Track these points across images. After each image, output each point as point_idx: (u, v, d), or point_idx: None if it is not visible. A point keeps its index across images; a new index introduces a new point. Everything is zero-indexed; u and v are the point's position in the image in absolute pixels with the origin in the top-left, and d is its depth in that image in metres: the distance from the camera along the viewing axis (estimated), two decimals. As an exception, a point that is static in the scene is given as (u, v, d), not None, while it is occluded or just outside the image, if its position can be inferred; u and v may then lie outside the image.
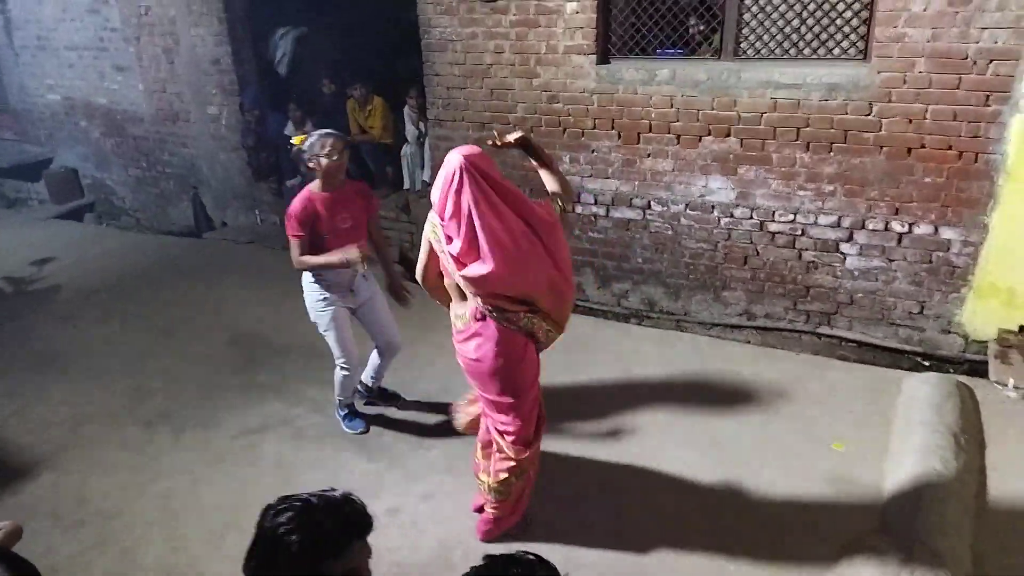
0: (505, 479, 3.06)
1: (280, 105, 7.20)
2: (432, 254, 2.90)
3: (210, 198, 7.87)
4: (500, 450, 3.04)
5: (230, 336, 5.27)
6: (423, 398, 4.36)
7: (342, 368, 3.93)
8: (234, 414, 4.30)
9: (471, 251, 2.63)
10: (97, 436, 4.17)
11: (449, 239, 2.69)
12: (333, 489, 1.54)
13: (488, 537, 3.24)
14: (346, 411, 4.12)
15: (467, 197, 2.56)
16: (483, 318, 2.80)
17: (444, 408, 4.22)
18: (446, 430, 4.04)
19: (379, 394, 4.30)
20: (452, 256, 2.68)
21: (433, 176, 6.03)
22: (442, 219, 2.68)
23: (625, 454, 3.77)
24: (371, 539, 3.42)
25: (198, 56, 7.15)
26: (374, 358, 4.13)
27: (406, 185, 6.72)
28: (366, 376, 4.18)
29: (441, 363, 4.67)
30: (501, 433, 3.00)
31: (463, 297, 2.85)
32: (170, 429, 4.20)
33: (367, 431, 4.07)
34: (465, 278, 2.67)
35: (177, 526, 3.44)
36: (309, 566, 1.42)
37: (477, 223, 2.57)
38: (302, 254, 3.60)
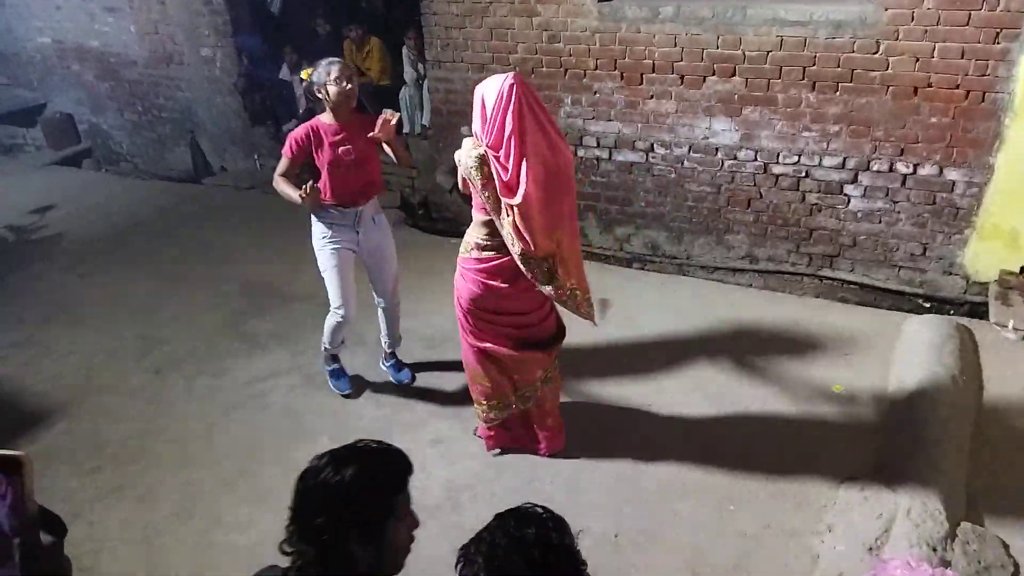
0: (530, 381, 3.24)
1: (274, 46, 7.05)
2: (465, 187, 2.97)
3: (208, 142, 7.78)
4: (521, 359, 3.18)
5: (235, 284, 5.30)
6: (427, 345, 4.42)
7: (335, 314, 3.80)
8: (242, 362, 4.37)
9: (528, 169, 2.69)
10: (109, 385, 4.25)
11: (504, 168, 2.72)
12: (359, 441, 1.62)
13: (555, 449, 3.43)
14: (333, 366, 4.01)
15: (525, 110, 2.66)
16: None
17: (449, 354, 4.32)
18: (451, 376, 4.13)
19: (395, 365, 4.15)
20: (505, 184, 2.73)
21: (433, 119, 5.99)
22: (497, 148, 2.72)
23: (629, 398, 3.84)
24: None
25: (189, -4, 6.97)
26: (382, 316, 4.05)
27: (405, 128, 6.63)
28: (383, 338, 4.09)
29: (446, 311, 4.68)
30: (522, 342, 3.14)
31: (493, 229, 2.92)
32: (180, 377, 4.27)
33: (351, 393, 3.99)
34: (519, 205, 2.72)
35: (192, 472, 3.54)
36: (386, 503, 1.52)
37: (528, 143, 2.67)
38: (281, 173, 3.58)
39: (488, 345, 3.15)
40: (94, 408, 4.05)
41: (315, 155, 3.55)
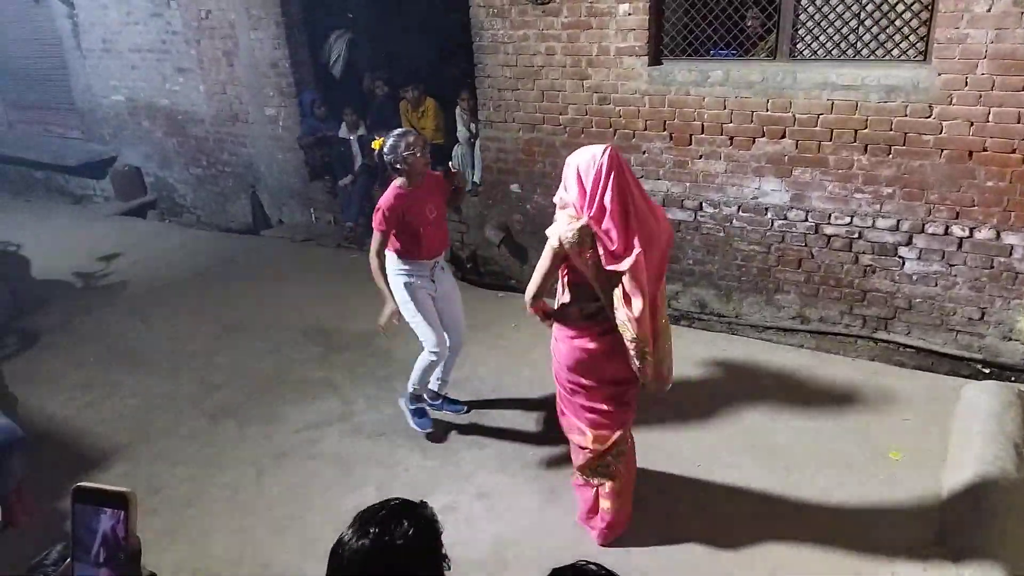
0: (602, 458, 3.13)
1: (335, 107, 7.35)
2: (555, 268, 2.88)
3: (267, 196, 8.09)
4: (598, 440, 3.10)
5: (290, 332, 5.44)
6: (475, 396, 4.45)
7: (431, 354, 3.89)
8: (295, 409, 4.46)
9: (627, 242, 2.72)
10: (166, 428, 4.37)
11: (610, 238, 2.72)
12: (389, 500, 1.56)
13: (606, 540, 3.26)
14: (417, 405, 4.10)
15: (622, 186, 2.71)
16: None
17: (496, 406, 4.35)
18: (498, 429, 4.14)
19: (444, 402, 4.30)
20: (611, 253, 2.72)
21: (484, 176, 6.15)
22: (600, 218, 2.72)
23: (679, 458, 3.79)
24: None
25: (256, 59, 7.35)
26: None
27: (458, 184, 6.81)
28: (436, 381, 4.20)
29: (493, 362, 4.77)
30: (602, 413, 3.07)
31: (595, 297, 2.86)
32: (234, 422, 4.37)
33: (431, 435, 4.06)
34: (626, 271, 2.70)
35: (243, 517, 3.59)
36: (433, 560, 1.49)
37: (632, 210, 2.71)
38: (379, 250, 3.74)
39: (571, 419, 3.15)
40: (151, 451, 4.16)
41: (405, 219, 3.71)
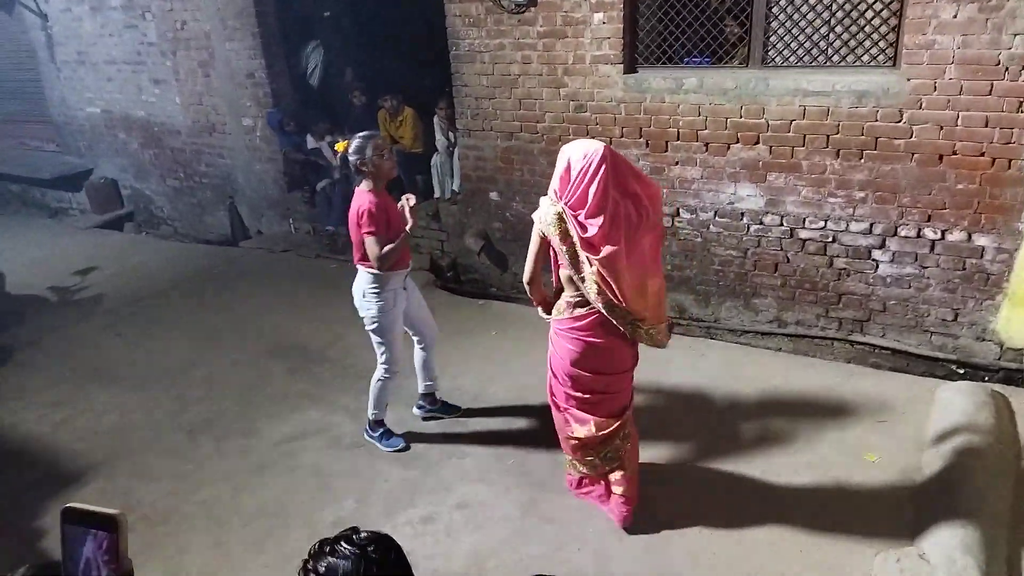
0: (610, 443, 3.25)
1: (313, 117, 7.33)
2: (542, 249, 3.07)
3: (246, 207, 8.04)
4: (601, 426, 3.21)
5: (268, 344, 5.40)
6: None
7: (386, 373, 3.90)
8: (273, 422, 4.42)
9: (611, 234, 2.83)
10: (142, 444, 4.32)
11: (583, 227, 2.85)
12: (355, 528, 1.53)
13: (628, 522, 3.34)
14: (380, 431, 4.09)
15: (610, 183, 2.81)
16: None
17: (477, 415, 4.33)
18: (479, 438, 4.13)
19: (442, 407, 4.32)
20: (586, 240, 2.84)
21: (463, 185, 6.16)
22: (578, 208, 2.85)
23: (655, 464, 3.79)
24: (406, 547, 3.52)
25: (233, 69, 7.32)
26: (419, 360, 4.17)
27: (436, 194, 6.81)
28: (421, 385, 4.24)
29: (473, 371, 4.76)
30: (596, 406, 3.20)
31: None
32: (212, 437, 4.33)
33: (408, 448, 4.05)
34: (601, 259, 2.84)
35: (220, 533, 3.55)
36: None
37: (611, 205, 2.82)
38: (383, 248, 3.58)
39: (573, 411, 3.25)
40: (127, 467, 4.11)
41: (387, 222, 3.63)
